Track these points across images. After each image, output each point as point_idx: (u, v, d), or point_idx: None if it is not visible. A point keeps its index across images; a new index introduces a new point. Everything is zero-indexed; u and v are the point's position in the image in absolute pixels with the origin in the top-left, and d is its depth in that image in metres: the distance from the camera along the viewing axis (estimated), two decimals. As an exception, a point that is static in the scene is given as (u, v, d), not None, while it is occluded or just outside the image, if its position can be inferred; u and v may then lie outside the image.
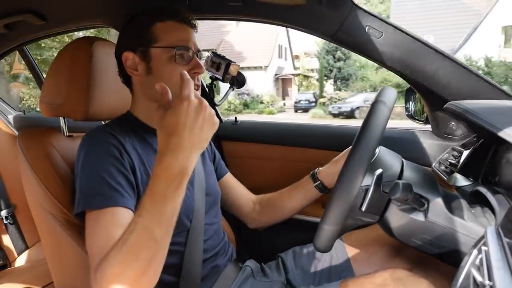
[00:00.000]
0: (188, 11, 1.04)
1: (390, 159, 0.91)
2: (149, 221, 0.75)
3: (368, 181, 0.80)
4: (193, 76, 1.02)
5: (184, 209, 1.03)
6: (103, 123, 1.26)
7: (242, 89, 20.81)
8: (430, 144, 1.40)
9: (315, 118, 18.75)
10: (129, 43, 1.03)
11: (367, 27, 1.21)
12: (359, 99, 18.92)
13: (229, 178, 1.35)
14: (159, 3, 1.12)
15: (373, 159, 0.87)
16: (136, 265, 0.74)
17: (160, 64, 1.00)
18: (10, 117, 2.56)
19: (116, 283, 0.73)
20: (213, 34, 25.53)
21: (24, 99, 13.61)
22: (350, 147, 0.82)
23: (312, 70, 32.87)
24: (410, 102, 1.49)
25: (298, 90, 27.60)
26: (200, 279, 1.02)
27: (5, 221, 1.92)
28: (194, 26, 1.06)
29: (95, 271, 0.77)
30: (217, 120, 0.83)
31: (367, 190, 0.80)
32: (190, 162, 0.78)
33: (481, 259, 0.54)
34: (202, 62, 1.09)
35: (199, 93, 1.06)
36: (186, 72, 0.81)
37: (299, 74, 29.46)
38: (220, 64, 1.58)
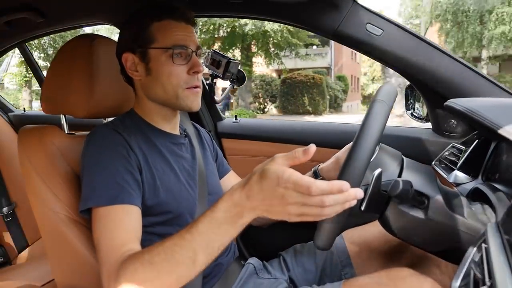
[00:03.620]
0: (186, 8, 1.03)
1: (390, 157, 0.91)
2: (196, 243, 0.72)
3: (368, 180, 0.81)
4: (193, 75, 1.02)
5: (187, 208, 1.03)
6: (104, 120, 1.26)
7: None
8: (430, 141, 1.40)
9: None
10: (128, 44, 1.03)
11: (367, 24, 1.21)
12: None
13: (231, 177, 1.35)
14: (159, 0, 1.12)
15: (372, 157, 0.87)
16: (168, 276, 0.73)
17: (158, 65, 1.00)
18: (11, 115, 2.56)
19: (140, 286, 0.73)
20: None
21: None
22: (351, 142, 0.82)
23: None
24: (410, 100, 1.49)
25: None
26: (203, 276, 1.02)
27: (6, 219, 1.92)
28: (193, 24, 1.06)
29: (117, 268, 0.77)
30: (292, 220, 0.67)
31: (366, 190, 0.81)
32: (248, 214, 0.70)
33: (481, 256, 0.54)
34: (201, 60, 1.09)
35: (200, 92, 1.06)
36: (338, 186, 0.63)
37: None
38: (220, 62, 1.58)
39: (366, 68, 34.27)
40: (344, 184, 0.63)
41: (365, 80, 34.17)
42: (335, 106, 21.55)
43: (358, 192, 0.64)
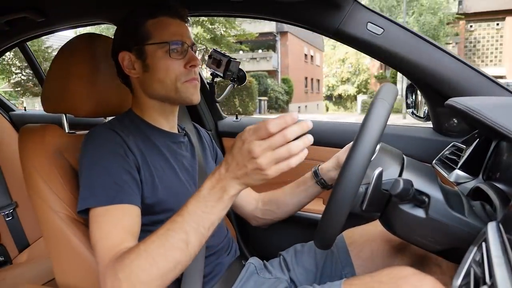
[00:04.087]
0: (180, 5, 1.04)
1: (391, 156, 0.91)
2: (187, 224, 0.75)
3: (368, 179, 0.80)
4: (190, 69, 1.02)
5: None
6: (104, 119, 1.26)
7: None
8: (431, 140, 1.40)
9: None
10: (124, 43, 1.03)
11: (368, 23, 1.21)
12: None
13: None
14: None
15: (373, 157, 0.86)
16: (164, 263, 0.75)
17: (156, 60, 1.00)
18: (12, 114, 2.56)
19: (138, 276, 0.74)
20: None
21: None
22: (351, 142, 0.82)
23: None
24: (411, 99, 1.49)
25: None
26: (203, 276, 1.02)
27: (6, 218, 1.92)
28: (186, 20, 1.07)
29: (113, 265, 0.77)
30: (270, 176, 0.70)
31: (367, 189, 0.80)
32: (231, 187, 0.74)
33: (481, 255, 0.54)
34: (199, 56, 1.10)
35: (198, 85, 1.06)
36: (290, 116, 0.67)
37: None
38: (221, 61, 1.57)
39: (336, 70, 35.74)
40: (293, 113, 0.67)
41: (334, 82, 35.56)
42: (276, 107, 22.60)
43: (309, 122, 0.68)
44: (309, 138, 0.68)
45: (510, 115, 0.83)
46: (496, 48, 24.28)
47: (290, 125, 0.66)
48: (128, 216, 0.88)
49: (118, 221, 0.85)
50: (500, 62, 23.95)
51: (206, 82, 1.83)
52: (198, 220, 0.75)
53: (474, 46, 24.51)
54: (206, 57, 1.60)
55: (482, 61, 24.64)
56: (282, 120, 0.66)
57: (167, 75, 1.00)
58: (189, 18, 1.09)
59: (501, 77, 20.78)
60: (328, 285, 0.99)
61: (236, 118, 1.93)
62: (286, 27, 22.71)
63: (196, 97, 1.05)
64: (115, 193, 0.88)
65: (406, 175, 0.84)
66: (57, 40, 14.31)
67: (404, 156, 0.92)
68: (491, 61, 24.33)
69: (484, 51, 24.21)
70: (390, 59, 1.24)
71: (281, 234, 1.59)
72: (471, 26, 23.74)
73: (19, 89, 17.26)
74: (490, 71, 23.21)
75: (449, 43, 22.89)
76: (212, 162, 1.25)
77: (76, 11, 1.56)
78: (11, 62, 15.91)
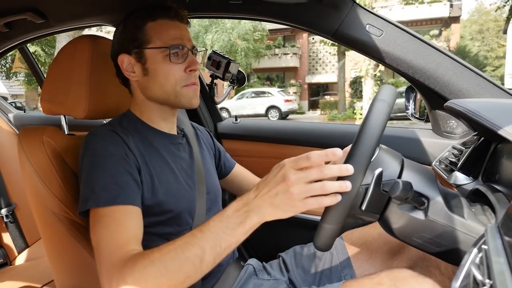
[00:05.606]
0: (180, 7, 1.04)
1: (390, 158, 0.90)
2: (206, 241, 0.75)
3: (368, 180, 0.80)
4: (190, 73, 1.02)
5: (186, 207, 1.03)
6: (104, 121, 1.26)
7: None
8: (430, 142, 1.40)
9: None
10: (123, 46, 1.03)
11: (367, 25, 1.21)
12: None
13: (238, 169, 1.39)
14: (157, 0, 1.12)
15: (373, 158, 0.86)
16: (175, 275, 0.74)
17: (155, 65, 1.00)
18: (11, 116, 2.56)
19: (147, 283, 0.73)
20: None
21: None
22: (351, 145, 0.82)
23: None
24: (410, 101, 1.49)
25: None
26: (202, 278, 1.02)
27: (5, 220, 1.92)
28: (187, 22, 1.06)
29: (120, 267, 0.77)
30: (298, 208, 0.71)
31: (367, 189, 0.80)
32: (255, 214, 0.73)
33: (481, 257, 0.54)
34: (198, 58, 1.09)
35: (198, 89, 1.06)
36: (332, 151, 0.69)
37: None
38: (220, 63, 1.57)
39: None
40: (337, 149, 0.69)
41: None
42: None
43: (349, 167, 0.70)
44: (347, 185, 0.69)
45: (509, 117, 0.83)
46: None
47: (330, 156, 0.69)
48: (130, 217, 0.87)
49: (120, 222, 0.85)
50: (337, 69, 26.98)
51: (205, 84, 1.83)
52: (216, 239, 0.75)
53: (317, 55, 27.50)
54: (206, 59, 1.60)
55: (323, 68, 27.54)
56: (323, 152, 0.68)
57: (167, 79, 1.00)
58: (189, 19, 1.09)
59: (335, 82, 23.42)
60: (327, 287, 0.99)
61: (236, 119, 1.93)
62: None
63: (195, 101, 1.05)
64: (117, 194, 0.87)
65: (405, 177, 0.84)
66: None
67: (404, 158, 0.92)
68: (330, 68, 26.99)
69: (324, 60, 27.11)
70: (389, 61, 1.24)
71: (280, 236, 1.59)
72: (313, 38, 26.62)
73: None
74: (326, 77, 26.63)
75: (287, 54, 26.06)
76: (210, 162, 1.25)
77: (77, 13, 1.56)
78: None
